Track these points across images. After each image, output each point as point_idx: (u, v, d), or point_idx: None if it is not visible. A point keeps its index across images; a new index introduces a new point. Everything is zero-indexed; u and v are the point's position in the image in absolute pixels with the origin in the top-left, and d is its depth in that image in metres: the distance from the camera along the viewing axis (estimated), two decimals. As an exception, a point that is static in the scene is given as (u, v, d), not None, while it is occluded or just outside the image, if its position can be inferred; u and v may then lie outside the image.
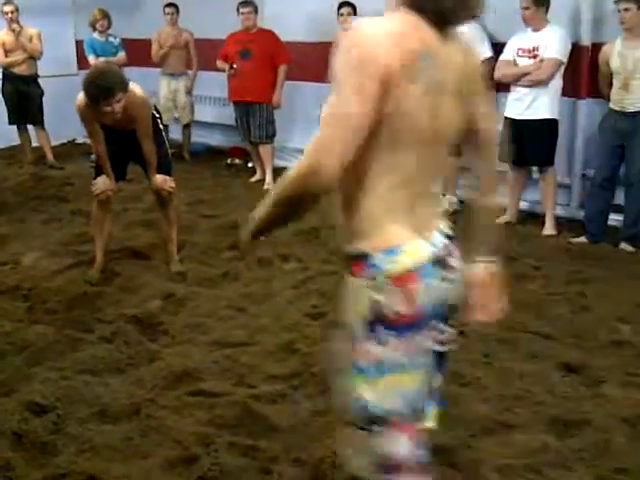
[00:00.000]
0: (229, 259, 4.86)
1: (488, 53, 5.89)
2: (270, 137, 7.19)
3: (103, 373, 3.31)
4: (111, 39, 8.09)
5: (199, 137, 8.65)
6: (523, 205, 6.01)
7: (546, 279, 4.59)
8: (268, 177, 7.04)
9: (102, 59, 7.81)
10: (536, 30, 5.47)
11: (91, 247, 4.68)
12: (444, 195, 7.00)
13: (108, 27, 8.02)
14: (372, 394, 1.68)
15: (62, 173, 7.51)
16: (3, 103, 7.86)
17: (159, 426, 2.86)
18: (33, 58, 7.80)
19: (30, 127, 8.06)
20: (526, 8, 5.43)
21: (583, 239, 5.30)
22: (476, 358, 3.49)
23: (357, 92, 1.52)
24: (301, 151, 1.65)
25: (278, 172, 5.65)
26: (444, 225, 1.80)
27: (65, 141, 8.94)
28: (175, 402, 3.06)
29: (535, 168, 5.81)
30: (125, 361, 3.43)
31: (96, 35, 8.01)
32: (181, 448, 2.73)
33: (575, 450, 2.75)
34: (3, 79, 7.90)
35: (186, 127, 8.35)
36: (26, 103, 7.82)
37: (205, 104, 8.73)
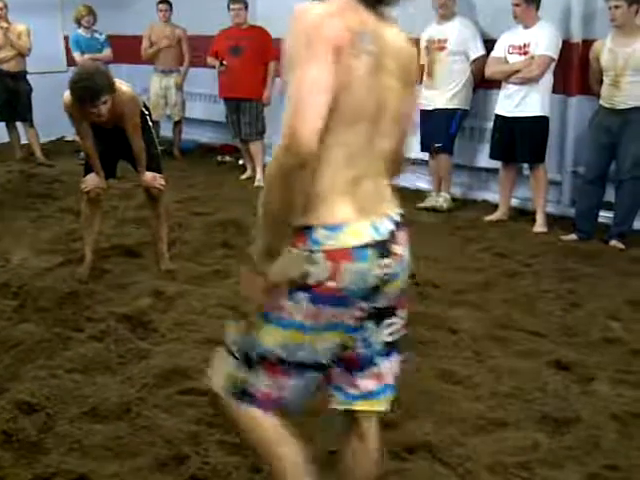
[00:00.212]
0: (220, 257, 4.85)
1: (482, 51, 5.89)
2: (260, 134, 7.18)
3: (93, 372, 3.29)
4: (96, 35, 8.05)
5: (190, 134, 8.63)
6: (514, 202, 6.02)
7: (537, 276, 4.59)
8: (258, 174, 7.03)
9: (88, 56, 7.78)
10: (527, 27, 5.48)
11: (81, 245, 4.66)
12: (438, 192, 6.98)
13: (93, 23, 7.97)
14: (265, 336, 1.78)
15: (51, 171, 7.48)
16: (-9, 100, 7.83)
17: (149, 425, 2.85)
18: (22, 55, 7.76)
19: (19, 124, 8.02)
20: (517, 5, 5.44)
21: (574, 236, 5.31)
22: (467, 356, 3.50)
23: (315, 60, 1.60)
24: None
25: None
26: (394, 212, 1.84)
27: (54, 138, 8.92)
28: (165, 401, 3.05)
29: (526, 165, 5.83)
30: (115, 360, 3.41)
31: (81, 31, 7.97)
32: (171, 447, 2.72)
33: (566, 447, 2.75)
34: (-9, 76, 7.86)
35: (177, 124, 8.33)
36: (15, 100, 7.78)
37: (195, 101, 8.70)
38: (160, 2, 8.01)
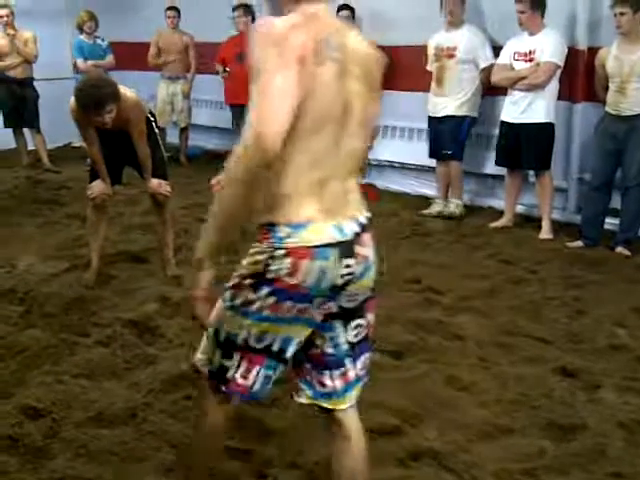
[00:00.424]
0: (224, 262, 4.84)
1: (491, 60, 5.88)
2: (265, 140, 7.18)
3: (99, 377, 3.29)
4: (99, 41, 8.06)
5: (196, 140, 8.65)
6: (520, 209, 6.02)
7: (543, 283, 4.59)
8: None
9: (91, 62, 7.79)
10: (532, 34, 5.49)
11: (87, 251, 4.67)
12: (448, 199, 6.94)
13: (95, 29, 7.99)
14: (234, 326, 1.88)
15: (58, 177, 7.50)
16: (-1, 107, 7.86)
17: (155, 430, 2.85)
18: (28, 62, 7.79)
19: (26, 131, 8.05)
20: (522, 12, 5.45)
21: (580, 243, 5.30)
22: (473, 362, 3.49)
23: (280, 68, 1.67)
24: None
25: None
26: (362, 214, 1.90)
27: (61, 144, 8.94)
28: (172, 406, 3.04)
29: (531, 172, 5.82)
30: (121, 365, 3.41)
31: (84, 37, 7.98)
32: (177, 452, 2.72)
33: (571, 455, 2.74)
34: (-1, 83, 7.90)
35: (183, 131, 8.35)
36: (22, 107, 7.81)
37: (202, 107, 8.72)
38: (168, 9, 8.04)
